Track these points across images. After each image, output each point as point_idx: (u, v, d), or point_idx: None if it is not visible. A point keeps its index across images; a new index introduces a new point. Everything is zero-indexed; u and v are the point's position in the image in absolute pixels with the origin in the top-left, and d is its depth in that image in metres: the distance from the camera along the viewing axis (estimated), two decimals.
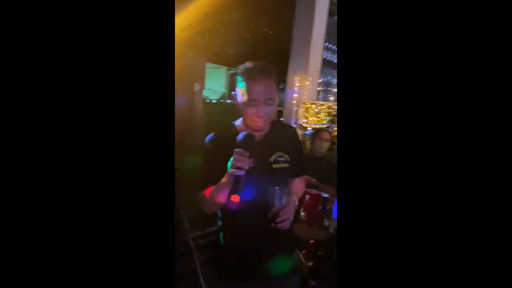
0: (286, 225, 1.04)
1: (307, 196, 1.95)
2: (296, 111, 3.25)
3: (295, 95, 3.24)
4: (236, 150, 0.99)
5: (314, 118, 3.25)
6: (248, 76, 1.07)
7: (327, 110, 3.24)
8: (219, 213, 1.21)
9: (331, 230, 2.01)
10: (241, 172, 0.97)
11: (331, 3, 4.24)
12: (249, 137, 1.03)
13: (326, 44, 4.30)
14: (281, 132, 1.24)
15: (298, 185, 1.28)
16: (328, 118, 3.21)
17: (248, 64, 1.10)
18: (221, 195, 1.04)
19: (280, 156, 1.16)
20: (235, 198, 0.97)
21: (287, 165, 1.17)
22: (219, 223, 1.23)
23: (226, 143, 1.07)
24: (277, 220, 1.03)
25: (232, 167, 0.97)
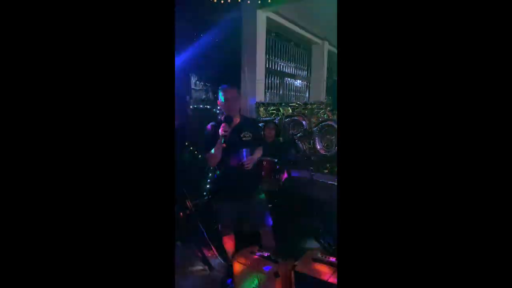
0: (249, 166, 2.23)
1: (265, 162, 3.16)
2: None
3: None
4: (222, 124, 2.14)
5: (264, 113, 4.49)
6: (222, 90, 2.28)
7: (273, 107, 4.49)
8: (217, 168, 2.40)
9: (280, 183, 3.26)
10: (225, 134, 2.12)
11: (267, 23, 5.40)
12: (229, 117, 2.19)
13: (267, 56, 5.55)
14: (247, 121, 2.44)
15: (257, 151, 2.42)
16: (274, 112, 4.46)
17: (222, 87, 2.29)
18: (216, 151, 2.19)
19: (246, 133, 2.30)
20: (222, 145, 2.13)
21: (250, 138, 2.30)
22: (217, 172, 2.40)
23: (217, 128, 2.22)
24: (245, 164, 2.21)
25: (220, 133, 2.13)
